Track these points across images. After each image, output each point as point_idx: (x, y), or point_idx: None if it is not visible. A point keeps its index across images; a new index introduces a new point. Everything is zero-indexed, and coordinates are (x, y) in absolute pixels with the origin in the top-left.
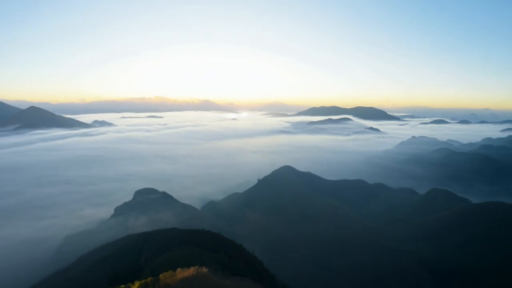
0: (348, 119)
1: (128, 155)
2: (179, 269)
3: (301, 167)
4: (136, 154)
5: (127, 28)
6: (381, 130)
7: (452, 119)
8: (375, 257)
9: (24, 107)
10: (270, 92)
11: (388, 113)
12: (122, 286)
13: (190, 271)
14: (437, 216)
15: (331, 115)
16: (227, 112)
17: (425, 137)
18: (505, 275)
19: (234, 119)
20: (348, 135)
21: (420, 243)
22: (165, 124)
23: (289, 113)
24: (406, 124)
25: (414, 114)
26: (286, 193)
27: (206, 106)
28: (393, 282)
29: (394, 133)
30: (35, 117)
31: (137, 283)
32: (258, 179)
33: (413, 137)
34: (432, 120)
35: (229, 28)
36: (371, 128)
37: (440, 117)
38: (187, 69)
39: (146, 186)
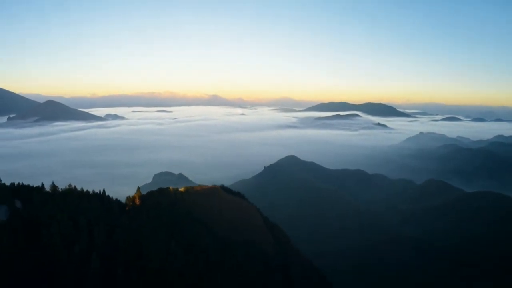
0: (357, 115)
1: (143, 145)
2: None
3: (305, 157)
4: (151, 144)
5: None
6: (388, 126)
7: (467, 116)
8: (367, 236)
9: (40, 100)
10: (279, 87)
11: (398, 109)
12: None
13: (209, 186)
14: (430, 203)
15: (340, 111)
16: (236, 107)
17: (433, 133)
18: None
19: (242, 114)
20: (355, 130)
21: (409, 225)
22: (175, 118)
23: (297, 109)
24: (415, 120)
25: (426, 111)
26: (289, 179)
27: (215, 101)
28: (381, 257)
29: (402, 129)
30: (53, 110)
31: (181, 188)
32: (264, 167)
33: (421, 133)
34: (444, 117)
35: (239, 22)
36: (379, 124)
37: (453, 115)
38: (196, 64)
39: (162, 171)
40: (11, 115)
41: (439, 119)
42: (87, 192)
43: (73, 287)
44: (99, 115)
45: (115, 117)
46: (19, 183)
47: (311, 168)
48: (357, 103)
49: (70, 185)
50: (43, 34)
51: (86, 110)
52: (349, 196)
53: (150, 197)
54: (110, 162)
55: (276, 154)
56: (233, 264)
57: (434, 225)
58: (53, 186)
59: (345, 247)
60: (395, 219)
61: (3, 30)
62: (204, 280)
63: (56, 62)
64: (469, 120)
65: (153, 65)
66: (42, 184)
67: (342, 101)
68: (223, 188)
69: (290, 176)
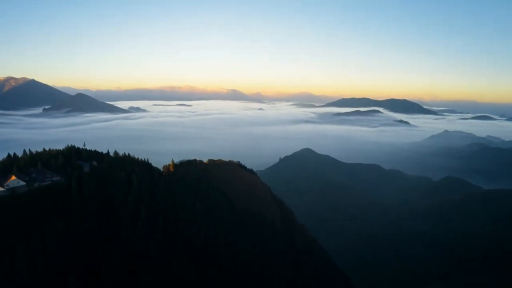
0: (378, 111)
1: (165, 136)
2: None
3: (320, 151)
4: (172, 135)
5: (160, 20)
6: (411, 123)
7: (502, 115)
8: (376, 227)
9: (70, 93)
10: (299, 82)
11: (424, 106)
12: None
13: (227, 161)
14: (443, 199)
15: (361, 107)
16: (254, 102)
17: (460, 132)
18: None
19: (260, 109)
20: (375, 127)
21: (419, 220)
22: (194, 112)
23: (316, 104)
24: (442, 118)
25: (455, 108)
26: (303, 170)
27: (233, 95)
28: (389, 249)
29: (426, 127)
30: (82, 102)
31: (206, 161)
32: (280, 158)
33: (446, 131)
34: (475, 115)
35: (259, 16)
36: (401, 121)
37: (486, 113)
38: (216, 59)
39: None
40: (46, 107)
41: (469, 117)
42: (137, 159)
43: (128, 224)
44: (123, 107)
45: (138, 109)
46: (95, 150)
47: (326, 161)
48: (379, 99)
49: (124, 153)
50: (73, 31)
51: (111, 103)
52: (362, 189)
53: (181, 166)
54: (138, 151)
55: (291, 148)
56: (246, 229)
57: (445, 220)
58: (115, 153)
59: (353, 237)
60: (406, 213)
61: (39, 29)
62: (219, 239)
63: (84, 57)
64: (504, 120)
65: (174, 60)
66: (108, 151)
67: (364, 96)
68: (239, 164)
69: (304, 168)
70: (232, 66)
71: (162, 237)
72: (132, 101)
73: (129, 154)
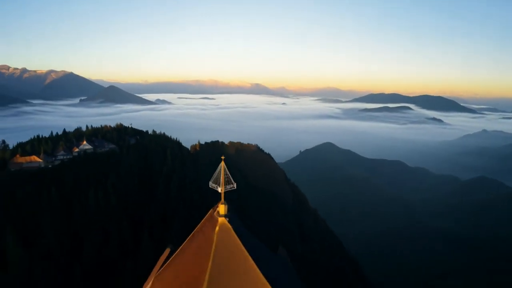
0: (408, 108)
1: (189, 126)
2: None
3: (342, 146)
4: (195, 126)
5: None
6: (444, 121)
7: None
8: (394, 222)
9: (103, 85)
10: (325, 76)
11: (461, 104)
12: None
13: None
14: (470, 199)
15: (389, 103)
16: (278, 97)
17: (501, 132)
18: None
19: (283, 103)
20: (403, 124)
21: (441, 218)
22: (218, 105)
23: (342, 99)
24: (481, 117)
25: (497, 107)
26: (324, 163)
27: (257, 89)
28: (407, 244)
29: (461, 126)
30: (114, 94)
31: (227, 142)
32: (300, 151)
33: (484, 130)
34: None
35: (284, 8)
36: (434, 119)
37: None
38: (240, 52)
39: None
40: (83, 97)
41: None
42: (170, 137)
43: (163, 188)
44: (150, 99)
45: (164, 102)
46: (137, 129)
47: (347, 155)
48: (411, 95)
49: (161, 132)
50: (106, 27)
51: (139, 95)
52: (383, 184)
53: (206, 146)
54: None
55: (312, 142)
56: (259, 204)
57: (470, 219)
58: (154, 131)
59: (369, 230)
60: (428, 211)
61: (76, 26)
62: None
63: (115, 52)
64: None
65: (198, 54)
66: (147, 130)
67: (394, 92)
68: (258, 147)
69: (324, 161)
70: (257, 60)
71: (188, 199)
72: (158, 94)
73: (164, 133)
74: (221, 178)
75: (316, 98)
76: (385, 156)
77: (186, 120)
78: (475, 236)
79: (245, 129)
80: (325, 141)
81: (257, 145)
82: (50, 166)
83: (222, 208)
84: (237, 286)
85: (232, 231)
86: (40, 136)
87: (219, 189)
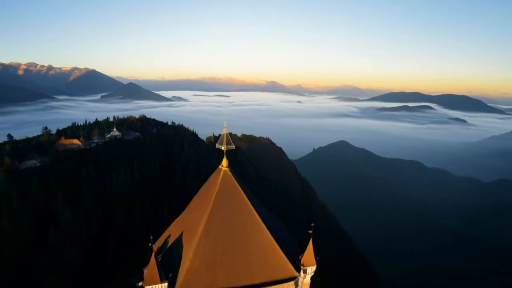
0: (429, 107)
1: (204, 123)
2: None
3: (357, 145)
4: (210, 122)
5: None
6: (468, 122)
7: None
8: (409, 222)
9: (122, 81)
10: (342, 74)
11: (489, 104)
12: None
13: (258, 136)
14: (492, 200)
15: (410, 102)
16: (293, 95)
17: None
18: None
19: (299, 101)
20: (423, 124)
21: (457, 219)
22: (232, 102)
23: (360, 98)
24: (510, 118)
25: None
26: (337, 161)
27: (272, 87)
28: (422, 243)
29: (487, 127)
30: (133, 91)
31: (240, 135)
32: (313, 149)
33: None
34: None
35: (301, 8)
36: (457, 119)
37: None
38: (256, 50)
39: None
40: (103, 94)
41: None
42: (187, 128)
43: (180, 174)
44: (167, 96)
45: (179, 99)
46: (158, 120)
47: (361, 154)
48: (433, 94)
49: (179, 123)
50: (125, 26)
51: (156, 92)
52: (398, 184)
53: (219, 137)
54: None
55: (327, 140)
56: (268, 194)
57: (488, 221)
58: (173, 122)
59: (381, 227)
60: (444, 211)
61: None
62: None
63: (134, 50)
64: None
65: (215, 52)
66: (167, 122)
67: (416, 91)
68: (269, 140)
69: (338, 159)
70: (273, 58)
71: (202, 185)
72: (175, 91)
73: (182, 125)
74: (224, 139)
75: (332, 97)
76: (402, 156)
77: (201, 117)
78: (491, 237)
79: (258, 126)
80: (339, 139)
81: (268, 138)
82: (87, 148)
83: (224, 161)
84: (234, 217)
85: (232, 177)
86: (77, 124)
87: (222, 147)
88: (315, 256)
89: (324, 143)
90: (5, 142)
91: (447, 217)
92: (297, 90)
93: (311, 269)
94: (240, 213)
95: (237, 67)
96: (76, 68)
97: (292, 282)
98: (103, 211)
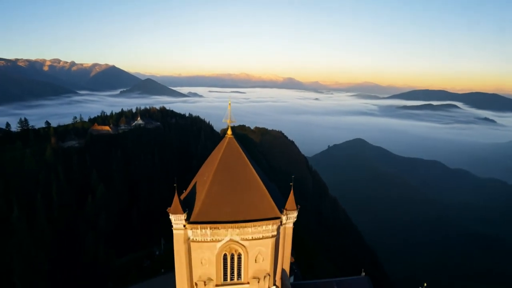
0: (455, 106)
1: (219, 118)
2: None
3: (374, 143)
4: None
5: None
6: (498, 122)
7: None
8: (425, 222)
9: (140, 77)
10: (362, 70)
11: None
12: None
13: (271, 129)
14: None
15: (434, 100)
16: (311, 92)
17: None
18: None
19: (316, 99)
20: (447, 123)
21: (478, 221)
22: (248, 99)
23: (380, 95)
24: None
25: None
26: (352, 159)
27: (289, 84)
28: (438, 245)
29: None
30: (150, 86)
31: (253, 127)
32: (328, 146)
33: None
34: None
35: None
36: (485, 119)
37: None
38: (273, 46)
39: None
40: (122, 89)
41: None
42: (204, 119)
43: (196, 162)
44: (183, 92)
45: (195, 95)
46: (176, 112)
47: (378, 153)
48: (459, 92)
49: (197, 116)
50: (143, 23)
51: (173, 88)
52: (416, 183)
53: (233, 128)
54: None
55: (342, 138)
56: (278, 185)
57: (510, 225)
58: (190, 114)
59: (396, 227)
60: (464, 213)
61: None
62: None
63: (151, 46)
64: None
65: (231, 48)
66: (185, 113)
67: (441, 88)
68: (281, 133)
69: (353, 156)
70: (290, 54)
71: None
72: (191, 87)
73: (199, 116)
74: (229, 115)
75: (351, 94)
76: (421, 156)
77: (217, 113)
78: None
79: (273, 122)
80: (355, 137)
81: (281, 131)
82: (116, 133)
83: (229, 131)
84: (235, 171)
85: (236, 143)
86: (106, 113)
87: (228, 121)
88: (296, 204)
89: (339, 141)
90: (47, 127)
91: (468, 218)
92: (315, 87)
93: (292, 214)
94: (240, 168)
95: (254, 63)
96: (97, 64)
97: (278, 221)
98: (128, 188)
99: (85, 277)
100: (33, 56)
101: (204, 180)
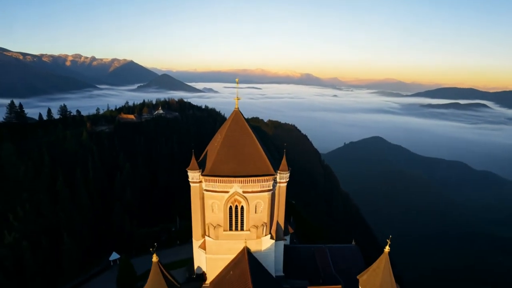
0: (484, 105)
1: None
2: None
3: (394, 142)
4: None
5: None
6: None
7: None
8: (444, 224)
9: (157, 72)
10: (384, 66)
11: None
12: None
13: (284, 123)
14: None
15: (461, 99)
16: (329, 88)
17: None
18: None
19: (334, 95)
20: (474, 123)
21: (506, 226)
22: (264, 95)
23: (404, 93)
24: None
25: None
26: (369, 157)
27: (307, 80)
28: (456, 249)
29: None
30: (166, 82)
31: (267, 120)
32: (345, 143)
33: None
34: None
35: None
36: None
37: None
38: (290, 41)
39: None
40: (140, 84)
41: None
42: (219, 112)
43: None
44: (198, 88)
45: (210, 90)
46: (193, 104)
47: (398, 151)
48: (490, 91)
49: (213, 108)
50: (160, 19)
51: (189, 83)
52: (436, 184)
53: (248, 120)
54: None
55: (360, 135)
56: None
57: None
58: (206, 106)
59: (412, 227)
60: (488, 217)
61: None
62: None
63: (168, 42)
64: None
65: (247, 43)
66: (201, 105)
67: (470, 87)
68: (295, 127)
69: (370, 154)
70: (308, 49)
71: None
72: (206, 83)
73: (214, 109)
74: (236, 92)
75: (372, 91)
76: (445, 156)
77: (231, 108)
78: None
79: (289, 118)
80: (373, 135)
81: (294, 125)
82: (139, 121)
83: (236, 104)
84: (240, 137)
85: (241, 114)
86: (130, 104)
87: (235, 98)
88: (288, 167)
89: (356, 138)
90: (79, 115)
91: (493, 223)
92: (333, 84)
93: (284, 174)
94: (244, 135)
95: (270, 59)
96: (115, 59)
97: (272, 177)
98: (149, 169)
99: (113, 242)
100: (56, 52)
101: (215, 145)
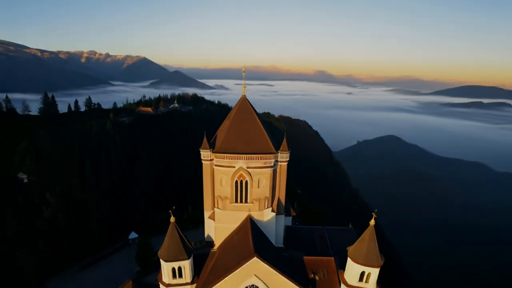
0: (509, 105)
1: None
2: None
3: (410, 140)
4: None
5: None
6: None
7: None
8: (459, 227)
9: (169, 69)
10: (401, 63)
11: None
12: None
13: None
14: None
15: (484, 98)
16: (343, 85)
17: None
18: None
19: (349, 93)
20: (497, 123)
21: None
22: (276, 92)
23: (422, 91)
24: None
25: None
26: (383, 156)
27: (321, 77)
28: (472, 251)
29: None
30: (178, 78)
31: (277, 116)
32: (358, 141)
33: None
34: None
35: None
36: None
37: None
38: (304, 37)
39: None
40: (152, 81)
41: None
42: (231, 107)
43: None
44: (210, 84)
45: (221, 87)
46: (207, 99)
47: (413, 151)
48: None
49: (225, 103)
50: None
51: (200, 80)
52: (453, 184)
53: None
54: None
55: (374, 134)
56: (300, 172)
57: None
58: (219, 102)
59: (426, 229)
60: (508, 219)
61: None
62: None
63: (180, 39)
64: None
65: (260, 40)
66: (214, 101)
67: (494, 85)
68: (306, 123)
69: (384, 153)
70: (322, 45)
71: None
72: (217, 80)
73: (227, 104)
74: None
75: (389, 89)
76: (464, 157)
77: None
78: None
79: (301, 116)
80: (388, 134)
81: (305, 121)
82: (156, 114)
83: (243, 92)
84: (245, 120)
85: (247, 101)
86: (147, 98)
87: (242, 86)
88: (288, 148)
89: (370, 137)
90: (101, 108)
91: (506, 225)
92: (348, 81)
93: (285, 154)
94: (249, 119)
95: (283, 55)
96: (129, 56)
97: (273, 155)
98: (164, 158)
99: (131, 223)
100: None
101: (224, 127)
